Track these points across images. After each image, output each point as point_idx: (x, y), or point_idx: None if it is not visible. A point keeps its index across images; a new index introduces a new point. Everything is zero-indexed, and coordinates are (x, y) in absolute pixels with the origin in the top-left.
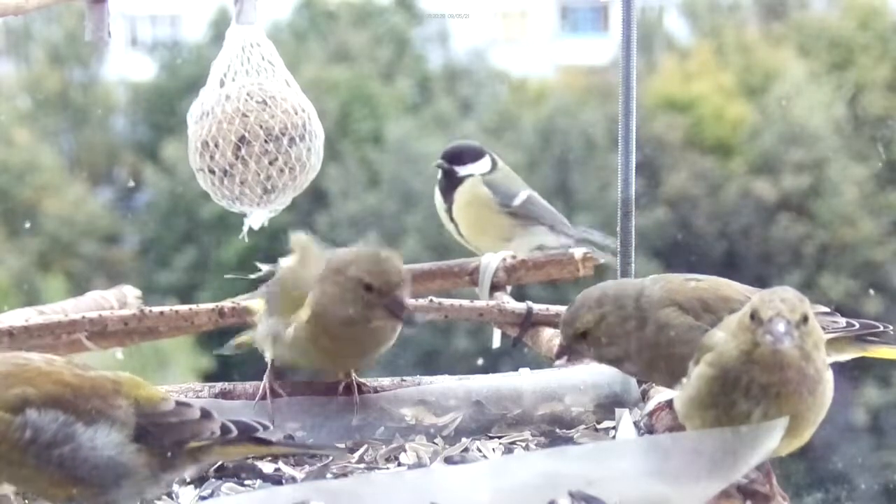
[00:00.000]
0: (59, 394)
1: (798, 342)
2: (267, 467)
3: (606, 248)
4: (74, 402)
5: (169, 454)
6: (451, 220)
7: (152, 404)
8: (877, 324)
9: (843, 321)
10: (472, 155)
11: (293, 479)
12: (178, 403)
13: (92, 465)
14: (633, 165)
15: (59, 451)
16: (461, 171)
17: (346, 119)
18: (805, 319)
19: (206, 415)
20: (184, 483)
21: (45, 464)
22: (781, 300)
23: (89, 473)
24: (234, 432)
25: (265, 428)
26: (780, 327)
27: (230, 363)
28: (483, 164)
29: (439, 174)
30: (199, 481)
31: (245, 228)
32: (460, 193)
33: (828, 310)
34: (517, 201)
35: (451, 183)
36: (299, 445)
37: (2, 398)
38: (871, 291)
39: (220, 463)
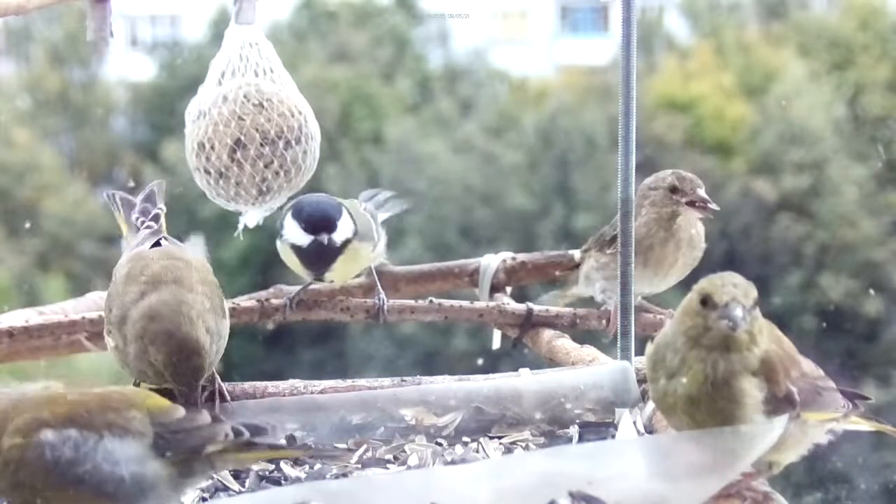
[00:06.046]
0: (71, 413)
1: (749, 327)
2: (267, 467)
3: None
4: (89, 419)
5: (188, 462)
6: (320, 279)
7: (164, 413)
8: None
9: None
10: (339, 213)
11: (293, 480)
12: (188, 410)
13: (118, 480)
14: (633, 165)
15: (84, 469)
16: (338, 238)
17: (346, 119)
18: (756, 304)
19: (216, 419)
20: None
21: (71, 485)
22: (734, 285)
23: (115, 489)
24: (246, 434)
25: (273, 428)
26: (738, 312)
27: (230, 363)
28: (347, 220)
29: (303, 242)
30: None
31: (240, 227)
32: (342, 263)
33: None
34: (376, 235)
35: (326, 255)
36: (305, 447)
37: (14, 426)
38: (871, 291)
39: None
